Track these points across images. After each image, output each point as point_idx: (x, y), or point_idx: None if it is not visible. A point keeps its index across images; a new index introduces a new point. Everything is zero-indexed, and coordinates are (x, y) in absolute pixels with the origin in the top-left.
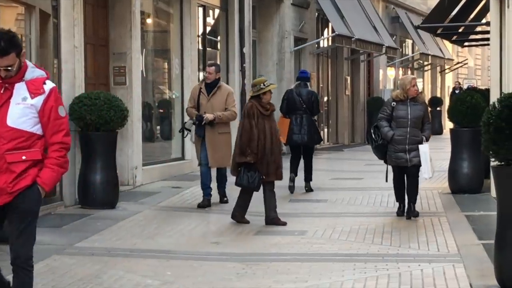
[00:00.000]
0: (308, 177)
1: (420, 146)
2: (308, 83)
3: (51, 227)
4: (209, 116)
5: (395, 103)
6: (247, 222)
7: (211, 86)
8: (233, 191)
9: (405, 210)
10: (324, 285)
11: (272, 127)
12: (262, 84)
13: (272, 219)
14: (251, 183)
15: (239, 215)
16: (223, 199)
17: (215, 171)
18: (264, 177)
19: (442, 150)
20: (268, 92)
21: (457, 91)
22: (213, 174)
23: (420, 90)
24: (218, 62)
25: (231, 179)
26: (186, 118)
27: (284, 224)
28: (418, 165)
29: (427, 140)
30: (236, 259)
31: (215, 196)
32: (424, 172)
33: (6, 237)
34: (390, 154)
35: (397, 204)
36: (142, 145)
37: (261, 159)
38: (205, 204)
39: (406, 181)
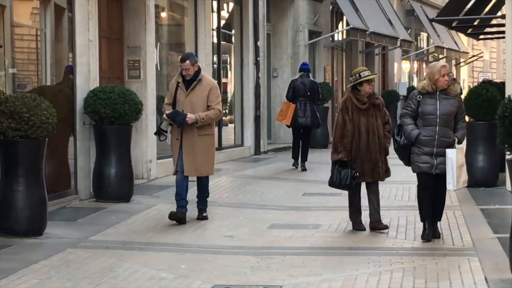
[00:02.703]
0: (304, 158)
1: (447, 150)
2: (310, 74)
3: (65, 220)
4: (190, 116)
5: (421, 96)
6: (363, 229)
7: (189, 80)
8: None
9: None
10: (338, 278)
11: (369, 122)
12: (358, 74)
13: (372, 222)
14: (342, 182)
15: (354, 223)
16: (201, 214)
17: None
18: (357, 174)
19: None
20: (367, 83)
21: None
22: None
23: (453, 79)
24: (232, 55)
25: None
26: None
27: (386, 227)
28: (443, 174)
29: (459, 142)
30: (250, 253)
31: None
32: (449, 183)
33: None
34: (414, 158)
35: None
36: (156, 138)
37: (355, 157)
38: (178, 216)
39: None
